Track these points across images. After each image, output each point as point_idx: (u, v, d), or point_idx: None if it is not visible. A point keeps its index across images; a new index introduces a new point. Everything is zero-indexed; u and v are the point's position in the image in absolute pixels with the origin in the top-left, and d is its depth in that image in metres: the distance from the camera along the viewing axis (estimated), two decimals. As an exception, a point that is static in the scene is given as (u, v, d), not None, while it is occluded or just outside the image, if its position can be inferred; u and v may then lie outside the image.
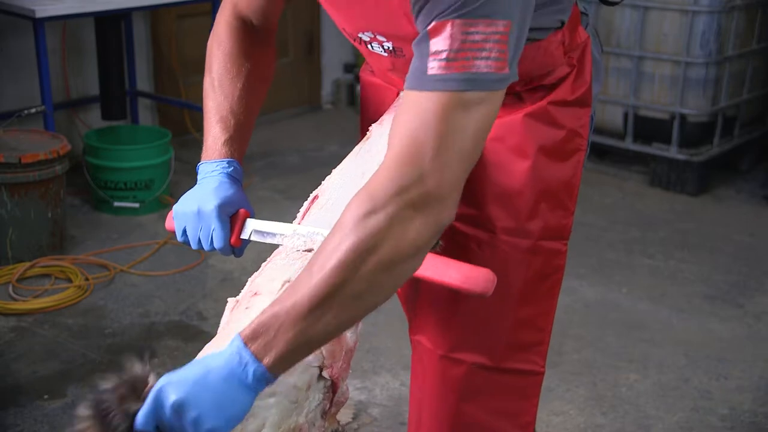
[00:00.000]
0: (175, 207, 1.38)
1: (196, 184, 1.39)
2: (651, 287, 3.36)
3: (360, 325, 1.28)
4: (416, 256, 1.11)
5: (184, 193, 1.39)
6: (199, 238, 1.34)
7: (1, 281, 3.20)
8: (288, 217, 1.43)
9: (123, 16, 4.07)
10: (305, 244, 1.29)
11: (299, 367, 1.16)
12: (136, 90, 4.40)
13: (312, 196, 1.40)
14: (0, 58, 3.97)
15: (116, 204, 3.82)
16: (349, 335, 1.23)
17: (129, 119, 4.36)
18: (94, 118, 4.33)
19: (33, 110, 3.63)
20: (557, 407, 2.60)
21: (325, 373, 1.20)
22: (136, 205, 3.82)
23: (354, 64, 5.50)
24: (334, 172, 1.43)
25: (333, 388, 1.23)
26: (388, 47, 1.33)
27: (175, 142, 4.10)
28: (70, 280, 3.21)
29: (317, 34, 5.44)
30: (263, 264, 1.33)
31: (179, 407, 1.06)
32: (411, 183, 1.08)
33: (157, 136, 4.01)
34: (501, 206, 1.44)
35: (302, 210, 1.39)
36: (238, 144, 1.41)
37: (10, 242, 3.32)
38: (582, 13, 1.48)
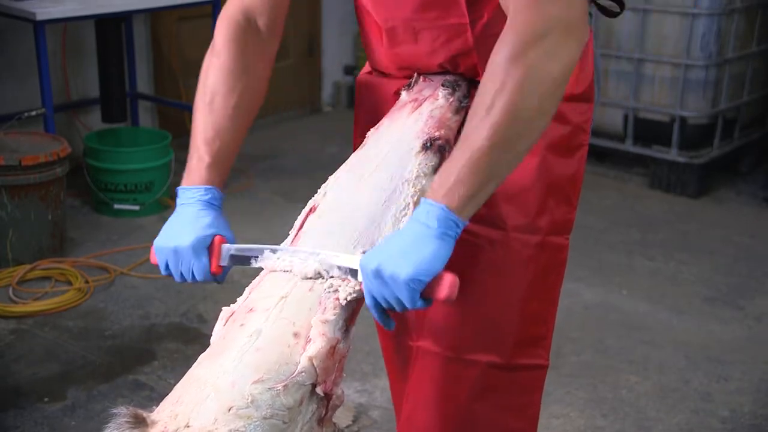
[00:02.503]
0: (155, 242, 1.41)
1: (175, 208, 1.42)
2: (651, 289, 3.36)
3: (354, 329, 1.28)
4: (568, 78, 1.22)
5: (164, 226, 1.41)
6: (181, 272, 1.38)
7: (2, 284, 3.20)
8: (289, 218, 1.44)
9: (123, 18, 4.07)
10: (282, 264, 1.31)
11: (291, 387, 1.16)
12: (137, 92, 4.41)
13: (308, 206, 1.40)
14: (0, 61, 3.97)
15: (116, 206, 3.82)
16: (341, 344, 1.23)
17: (129, 121, 4.36)
18: (94, 120, 4.33)
19: (33, 112, 3.63)
20: (557, 410, 2.59)
21: (318, 389, 1.20)
22: (137, 207, 3.82)
23: (354, 66, 5.50)
24: (330, 179, 1.43)
25: (327, 397, 1.22)
26: None
27: (176, 144, 4.10)
28: (70, 283, 3.21)
29: (318, 36, 5.44)
30: (262, 272, 1.33)
31: (377, 273, 1.19)
32: (564, 9, 1.19)
33: (157, 139, 4.02)
34: (511, 203, 1.45)
35: (299, 219, 1.39)
36: (221, 168, 1.44)
37: (11, 244, 3.32)
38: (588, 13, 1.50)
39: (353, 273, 1.25)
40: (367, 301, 1.23)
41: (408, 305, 1.19)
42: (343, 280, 1.26)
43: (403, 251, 1.18)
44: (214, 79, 1.45)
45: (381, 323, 1.26)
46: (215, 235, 1.38)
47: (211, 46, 1.50)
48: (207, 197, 1.41)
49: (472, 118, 1.20)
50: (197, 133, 1.44)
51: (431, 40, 1.44)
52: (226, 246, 1.39)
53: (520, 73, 1.17)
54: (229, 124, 1.44)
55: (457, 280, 1.21)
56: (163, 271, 1.41)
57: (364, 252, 1.26)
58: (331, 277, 1.27)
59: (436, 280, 1.19)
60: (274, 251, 1.34)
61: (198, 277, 1.38)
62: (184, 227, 1.38)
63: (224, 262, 1.39)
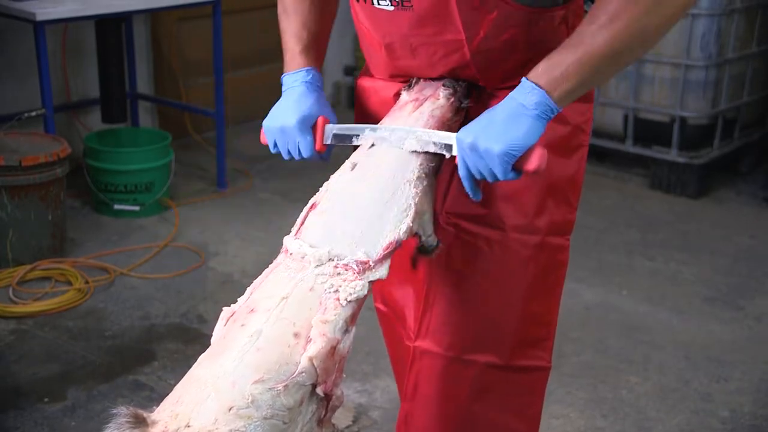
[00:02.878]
0: (264, 123, 1.51)
1: (279, 97, 1.52)
2: (651, 289, 3.36)
3: (354, 330, 1.28)
4: (692, 4, 1.28)
5: (272, 108, 1.51)
6: (289, 150, 1.49)
7: (2, 284, 3.20)
8: (289, 220, 1.44)
9: (123, 18, 4.07)
10: (382, 139, 1.41)
11: (291, 387, 1.16)
12: (137, 92, 4.41)
13: (310, 204, 1.40)
14: (0, 61, 3.97)
15: (116, 207, 3.82)
16: (341, 345, 1.23)
17: (129, 122, 4.36)
18: (94, 120, 4.33)
19: (33, 113, 3.63)
20: (557, 410, 2.59)
21: (318, 390, 1.20)
22: (137, 207, 3.82)
23: (354, 67, 5.50)
24: (332, 178, 1.43)
25: (327, 397, 1.22)
26: None
27: (176, 144, 4.10)
28: (70, 283, 3.21)
29: (317, 37, 5.43)
30: (264, 272, 1.33)
31: (473, 147, 1.28)
32: None
33: (157, 139, 4.01)
34: (510, 204, 1.46)
35: (300, 218, 1.39)
36: (315, 52, 1.54)
37: (11, 245, 3.32)
38: (585, 11, 1.50)
39: (449, 148, 1.35)
40: (461, 171, 1.32)
41: (500, 177, 1.28)
42: (344, 280, 1.26)
43: (499, 126, 1.26)
44: None
45: (470, 193, 1.34)
46: (319, 116, 1.47)
47: None
48: (308, 78, 1.50)
49: (591, 22, 1.25)
50: (285, 32, 1.54)
51: (429, 55, 1.44)
52: (329, 126, 1.48)
53: None
54: (311, 18, 1.54)
55: (546, 153, 1.28)
56: (272, 149, 1.52)
57: (365, 252, 1.28)
58: (336, 268, 1.27)
59: (527, 153, 1.26)
60: (373, 130, 1.43)
61: (304, 154, 1.48)
62: (290, 107, 1.47)
63: (328, 141, 1.48)
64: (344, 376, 1.27)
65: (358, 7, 1.45)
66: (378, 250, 1.30)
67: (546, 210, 1.48)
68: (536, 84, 1.25)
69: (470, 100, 1.49)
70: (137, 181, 3.81)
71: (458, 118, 1.48)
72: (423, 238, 1.45)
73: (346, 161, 1.46)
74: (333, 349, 1.21)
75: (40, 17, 3.39)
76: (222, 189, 4.16)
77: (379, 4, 1.40)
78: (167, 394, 1.19)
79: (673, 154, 4.28)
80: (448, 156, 1.37)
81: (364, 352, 2.78)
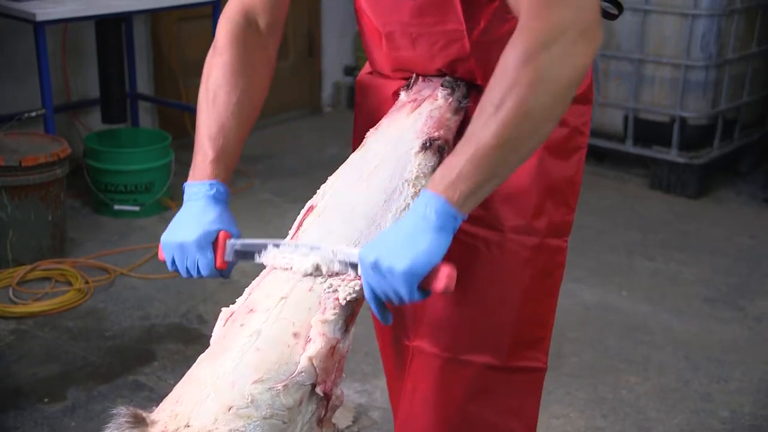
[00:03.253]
0: (162, 238, 1.43)
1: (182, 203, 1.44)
2: (651, 289, 3.36)
3: (353, 329, 1.28)
4: (580, 82, 1.22)
5: (172, 221, 1.43)
6: (187, 267, 1.40)
7: (2, 284, 3.20)
8: (288, 219, 1.44)
9: (123, 18, 4.07)
10: (282, 261, 1.31)
11: (291, 387, 1.16)
12: (137, 93, 4.41)
13: (307, 206, 1.40)
14: (0, 61, 3.97)
15: (116, 207, 3.82)
16: (341, 345, 1.23)
17: (129, 122, 4.36)
18: (94, 120, 4.33)
19: (33, 113, 3.63)
20: (557, 410, 2.59)
21: (318, 389, 1.20)
22: (137, 207, 3.82)
23: (354, 67, 5.50)
24: (330, 179, 1.43)
25: (326, 397, 1.22)
26: None
27: (176, 144, 4.10)
28: (70, 283, 3.21)
29: (317, 37, 5.44)
30: (262, 272, 1.33)
31: (375, 266, 1.19)
32: (576, 13, 1.18)
33: (157, 139, 4.02)
34: (508, 205, 1.45)
35: (298, 220, 1.39)
36: (226, 162, 1.43)
37: (11, 245, 3.32)
38: None
39: (354, 267, 1.25)
40: (366, 294, 1.23)
41: (405, 298, 1.19)
42: (343, 280, 1.26)
43: (400, 243, 1.18)
44: (217, 77, 1.46)
45: (379, 317, 1.26)
46: (220, 231, 1.39)
47: (212, 46, 1.50)
48: (212, 192, 1.41)
49: (480, 115, 1.19)
50: (201, 130, 1.44)
51: (429, 45, 1.44)
52: (231, 241, 1.40)
53: (531, 74, 1.16)
54: (232, 121, 1.44)
55: (455, 271, 1.20)
56: (170, 267, 1.43)
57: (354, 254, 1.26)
58: (331, 275, 1.27)
59: (433, 272, 1.19)
60: (277, 246, 1.34)
61: (203, 273, 1.39)
62: (190, 223, 1.39)
63: (229, 258, 1.40)
64: (344, 375, 1.26)
65: None
66: None
67: (544, 211, 1.48)
68: (434, 192, 1.18)
69: (469, 99, 1.49)
70: (137, 182, 3.81)
71: (457, 117, 1.48)
72: (422, 239, 1.45)
73: (344, 163, 1.46)
74: (332, 349, 1.21)
75: (40, 17, 3.40)
76: (222, 189, 4.16)
77: None
78: (167, 395, 1.19)
79: (673, 155, 4.28)
80: (352, 276, 1.26)
81: (363, 352, 2.78)
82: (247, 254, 1.39)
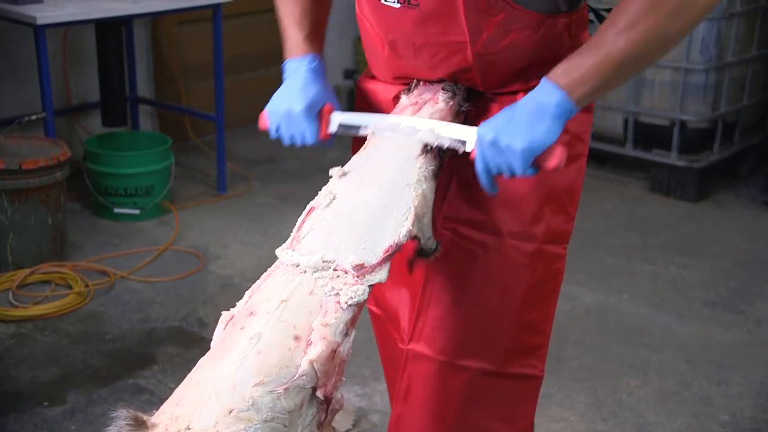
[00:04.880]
0: (267, 107, 1.50)
1: (282, 83, 1.51)
2: (651, 293, 3.36)
3: (353, 332, 1.28)
4: (713, 6, 1.26)
5: (276, 93, 1.50)
6: (292, 135, 1.48)
7: (2, 288, 3.20)
8: (288, 223, 1.44)
9: (124, 22, 4.07)
10: (390, 128, 1.41)
11: (292, 390, 1.16)
12: (137, 96, 4.41)
13: (308, 208, 1.40)
14: (1, 64, 3.97)
15: (116, 210, 3.82)
16: (342, 348, 1.23)
17: (129, 125, 4.37)
18: (94, 124, 4.33)
19: (34, 116, 3.63)
20: (557, 413, 2.59)
21: (318, 393, 1.20)
22: (137, 211, 3.82)
23: (354, 70, 5.51)
24: (330, 181, 1.43)
25: (327, 400, 1.22)
26: None
27: (176, 148, 4.10)
28: (70, 287, 3.21)
29: (317, 41, 5.43)
30: (263, 276, 1.33)
31: (494, 143, 1.29)
32: None
33: (157, 142, 4.02)
34: (507, 210, 1.45)
35: (298, 222, 1.39)
36: (317, 39, 1.53)
37: (11, 248, 3.32)
38: (589, 20, 1.51)
39: (462, 143, 1.36)
40: (478, 166, 1.32)
41: (519, 172, 1.30)
42: (345, 283, 1.26)
43: (520, 124, 1.28)
44: None
45: (486, 188, 1.34)
46: (326, 103, 1.47)
47: None
48: (313, 65, 1.50)
49: (612, 25, 1.25)
50: (286, 18, 1.53)
51: (431, 55, 1.44)
52: (336, 114, 1.47)
53: (673, 2, 1.22)
54: (312, 7, 1.53)
55: (566, 151, 1.30)
56: (272, 134, 1.50)
57: (362, 256, 1.28)
58: (335, 271, 1.27)
59: (547, 150, 1.29)
60: (382, 120, 1.43)
61: (308, 141, 1.46)
62: (296, 93, 1.46)
63: (333, 129, 1.47)
64: (344, 379, 1.26)
65: (364, 1, 1.45)
66: (378, 253, 1.30)
67: (543, 218, 1.47)
68: (557, 85, 1.27)
69: (469, 103, 1.49)
70: (137, 185, 3.81)
71: (458, 121, 1.48)
72: (422, 241, 1.45)
73: (345, 165, 1.46)
74: (333, 353, 1.21)
75: (40, 21, 3.40)
76: (222, 192, 4.17)
77: (386, 0, 1.40)
78: (167, 398, 1.19)
79: (673, 158, 4.28)
80: (461, 151, 1.37)
81: (364, 355, 2.78)
82: (351, 127, 1.47)
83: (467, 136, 1.36)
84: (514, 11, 1.35)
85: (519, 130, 1.27)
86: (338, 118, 1.47)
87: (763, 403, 2.69)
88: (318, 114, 1.46)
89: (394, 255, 1.32)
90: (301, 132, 1.46)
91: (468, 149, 1.35)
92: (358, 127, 1.46)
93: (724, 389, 2.75)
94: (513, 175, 1.31)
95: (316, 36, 1.53)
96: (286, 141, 1.49)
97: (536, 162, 1.30)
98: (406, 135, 1.40)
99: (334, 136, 1.49)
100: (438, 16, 1.37)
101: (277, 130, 1.49)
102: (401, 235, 1.33)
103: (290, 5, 1.53)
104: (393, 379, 1.77)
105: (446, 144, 1.38)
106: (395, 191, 1.37)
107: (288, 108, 1.45)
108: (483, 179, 1.34)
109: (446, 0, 1.35)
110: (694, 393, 2.72)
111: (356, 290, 1.25)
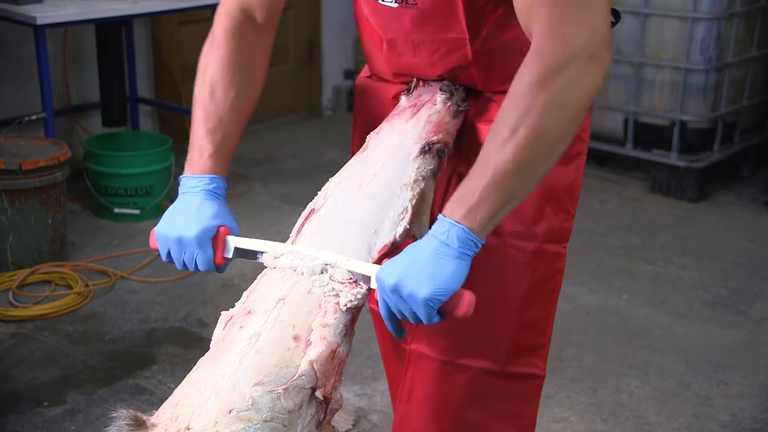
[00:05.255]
0: (156, 230, 1.41)
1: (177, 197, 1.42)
2: (651, 293, 3.36)
3: (353, 333, 1.28)
4: (590, 103, 1.25)
5: (167, 213, 1.42)
6: (184, 261, 1.39)
7: (2, 288, 3.20)
8: (288, 222, 1.44)
9: (124, 22, 4.07)
10: (287, 261, 1.30)
11: (292, 390, 1.16)
12: (137, 96, 4.41)
13: (308, 209, 1.40)
14: (1, 65, 3.97)
15: (116, 210, 3.82)
16: (341, 348, 1.23)
17: (129, 125, 4.36)
18: (94, 124, 4.33)
19: (34, 116, 3.63)
20: (558, 414, 2.59)
21: (318, 393, 1.20)
22: (137, 211, 3.82)
23: (354, 71, 5.51)
24: (330, 182, 1.43)
25: (326, 400, 1.22)
26: None
27: (176, 148, 4.10)
28: (70, 287, 3.21)
29: (318, 41, 5.44)
30: (259, 276, 1.33)
31: (395, 290, 1.21)
32: (589, 36, 1.19)
33: (157, 143, 4.02)
34: None
35: (298, 223, 1.39)
36: (223, 158, 1.43)
37: (11, 248, 3.32)
38: None
39: (365, 279, 1.27)
40: (382, 311, 1.25)
41: (424, 321, 1.21)
42: (345, 285, 1.26)
43: (422, 269, 1.19)
44: (214, 71, 1.45)
45: (394, 334, 1.28)
46: (220, 226, 1.39)
47: (209, 39, 1.50)
48: (211, 186, 1.41)
49: (494, 139, 1.20)
50: (198, 123, 1.44)
51: (430, 53, 1.44)
52: (231, 238, 1.39)
53: (545, 98, 1.18)
54: (230, 115, 1.44)
55: (474, 297, 1.22)
56: (164, 258, 1.41)
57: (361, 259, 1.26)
58: (333, 280, 1.27)
59: (454, 297, 1.20)
60: (278, 249, 1.34)
61: (201, 268, 1.38)
62: (189, 217, 1.38)
63: (228, 254, 1.39)
64: (343, 379, 1.26)
65: (363, 1, 1.45)
66: (373, 254, 1.31)
67: (543, 217, 1.47)
68: (453, 220, 1.19)
69: (468, 103, 1.49)
70: (137, 185, 3.81)
71: (457, 121, 1.48)
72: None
73: (344, 166, 1.46)
74: (333, 353, 1.21)
75: (40, 21, 3.40)
76: (222, 193, 4.16)
77: (383, 0, 1.40)
78: (167, 398, 1.19)
79: (673, 158, 4.28)
80: (365, 288, 1.27)
81: (364, 355, 2.78)
82: (247, 252, 1.39)
83: (370, 273, 1.26)
84: (512, 7, 1.35)
85: (421, 276, 1.18)
86: (234, 242, 1.38)
87: (763, 403, 2.69)
88: (213, 238, 1.37)
89: (390, 253, 1.32)
90: (193, 258, 1.37)
91: (373, 286, 1.26)
92: (255, 253, 1.37)
93: (724, 389, 2.75)
94: (419, 322, 1.22)
95: (223, 153, 1.42)
96: (179, 266, 1.40)
97: (442, 309, 1.20)
98: (304, 265, 1.29)
99: (230, 260, 1.40)
100: (436, 14, 1.37)
101: (168, 254, 1.40)
102: (397, 235, 1.33)
103: (206, 112, 1.43)
104: (394, 379, 1.77)
105: (345, 278, 1.27)
106: (393, 192, 1.37)
107: (179, 234, 1.37)
108: (388, 325, 1.27)
109: None
110: (694, 393, 2.72)
111: (356, 293, 1.25)
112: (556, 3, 1.20)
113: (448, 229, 1.19)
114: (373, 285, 1.26)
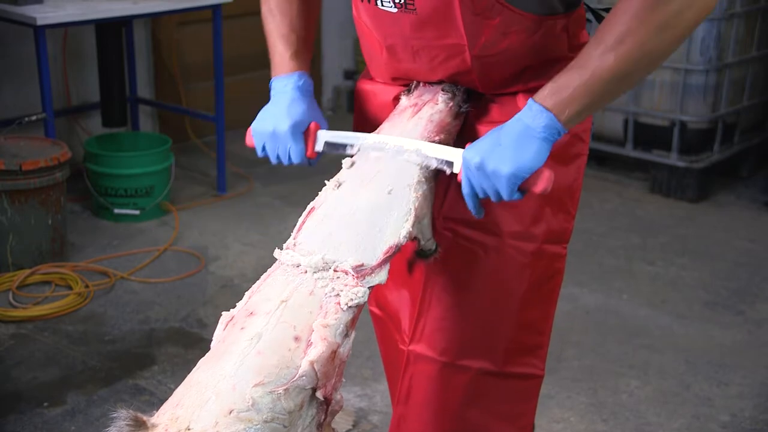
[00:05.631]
0: (253, 126, 1.50)
1: (269, 100, 1.51)
2: (651, 293, 3.36)
3: (353, 333, 1.28)
4: (700, 24, 1.25)
5: (261, 111, 1.50)
6: (278, 155, 1.48)
7: (2, 288, 3.20)
8: (289, 224, 1.44)
9: (124, 23, 4.07)
10: (376, 147, 1.40)
11: (292, 391, 1.16)
12: (137, 97, 4.41)
13: (309, 208, 1.40)
14: (1, 65, 3.97)
15: (116, 211, 3.82)
16: (342, 349, 1.23)
17: (129, 126, 4.36)
18: (94, 124, 4.33)
19: (34, 117, 3.63)
20: (558, 414, 2.59)
21: (318, 394, 1.20)
22: (137, 211, 3.82)
23: (354, 71, 5.51)
24: (332, 181, 1.43)
25: (326, 401, 1.22)
26: (399, 0, 1.37)
27: (176, 148, 4.10)
28: (70, 287, 3.21)
29: (318, 41, 5.44)
30: (262, 276, 1.33)
31: (480, 167, 1.28)
32: None
33: (157, 143, 4.02)
34: (507, 210, 1.45)
35: (299, 222, 1.39)
36: (304, 56, 1.52)
37: (11, 249, 3.32)
38: (587, 19, 1.51)
39: (449, 164, 1.35)
40: (464, 189, 1.32)
41: (505, 197, 1.28)
42: (345, 285, 1.26)
43: (506, 149, 1.26)
44: None
45: (473, 212, 1.34)
46: (311, 121, 1.46)
47: None
48: (300, 83, 1.49)
49: (598, 43, 1.24)
50: (272, 34, 1.52)
51: (429, 59, 1.44)
52: (322, 132, 1.47)
53: (658, 18, 1.20)
54: (299, 21, 1.52)
55: (553, 175, 1.28)
56: (259, 153, 1.51)
57: (361, 258, 1.27)
58: (335, 276, 1.27)
59: (534, 174, 1.27)
60: (367, 139, 1.42)
61: (294, 160, 1.47)
62: (282, 112, 1.46)
63: (319, 148, 1.47)
64: (343, 380, 1.26)
65: (362, 6, 1.45)
66: (378, 254, 1.31)
67: (543, 218, 1.47)
68: (544, 106, 1.25)
69: (469, 104, 1.49)
70: (137, 185, 3.81)
71: (457, 122, 1.48)
72: (422, 242, 1.45)
73: (345, 166, 1.46)
74: (334, 354, 1.21)
75: (40, 21, 3.40)
76: (222, 193, 4.16)
77: (382, 5, 1.40)
78: (167, 399, 1.19)
79: (673, 158, 4.28)
80: (448, 172, 1.36)
81: (364, 356, 2.78)
82: (337, 146, 1.46)
83: (454, 158, 1.35)
84: (512, 14, 1.35)
85: (505, 154, 1.26)
86: (324, 137, 1.47)
87: (764, 403, 2.69)
88: (304, 132, 1.47)
89: (393, 256, 1.32)
90: (287, 151, 1.47)
91: (455, 170, 1.35)
92: (344, 146, 1.46)
93: (724, 390, 2.75)
94: (500, 199, 1.30)
95: (303, 52, 1.52)
96: (273, 160, 1.50)
97: (523, 186, 1.28)
98: (392, 155, 1.40)
99: (321, 154, 1.49)
100: (435, 20, 1.37)
101: (263, 149, 1.50)
102: (401, 236, 1.33)
103: (277, 20, 1.52)
104: (394, 379, 1.77)
105: (433, 165, 1.37)
106: (396, 192, 1.37)
107: (274, 127, 1.46)
108: (469, 203, 1.34)
109: (443, 4, 1.34)
110: (694, 393, 2.72)
111: (357, 292, 1.25)
112: None
113: (536, 113, 1.25)
114: (456, 169, 1.34)
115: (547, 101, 1.25)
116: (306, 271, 1.28)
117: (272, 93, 1.50)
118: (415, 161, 1.38)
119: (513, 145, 1.26)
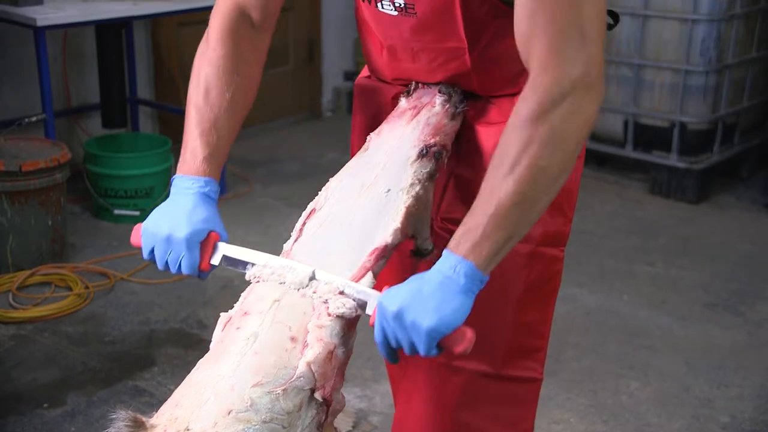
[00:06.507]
0: (144, 225, 1.38)
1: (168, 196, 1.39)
2: (651, 294, 3.36)
3: (354, 334, 1.27)
4: (588, 135, 1.25)
5: (156, 211, 1.39)
6: (167, 261, 1.36)
7: (1, 289, 3.20)
8: (289, 223, 1.44)
9: (124, 24, 4.07)
10: (274, 276, 1.28)
11: (290, 391, 1.16)
12: (137, 98, 4.41)
13: (309, 209, 1.39)
14: (1, 66, 3.97)
15: (116, 212, 3.82)
16: (339, 350, 1.23)
17: (129, 127, 4.36)
18: (94, 125, 4.33)
19: (34, 118, 3.63)
20: (558, 415, 2.59)
21: (317, 395, 1.19)
22: (137, 212, 3.82)
23: (354, 72, 5.51)
24: (331, 182, 1.43)
25: (327, 402, 1.22)
26: (400, 4, 1.35)
27: (176, 149, 4.07)
28: (70, 288, 3.21)
29: (318, 42, 5.44)
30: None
31: (397, 317, 1.19)
32: (585, 68, 1.19)
33: (157, 144, 4.02)
34: None
35: (299, 223, 1.39)
36: (217, 161, 1.40)
37: (11, 250, 3.32)
38: None
39: (361, 305, 1.24)
40: (377, 337, 1.22)
41: (422, 352, 1.19)
42: (335, 294, 1.26)
43: (427, 300, 1.18)
44: (209, 72, 1.43)
45: (388, 359, 1.25)
46: (210, 231, 1.36)
47: (204, 38, 1.47)
48: (206, 189, 1.38)
49: (495, 174, 1.20)
50: (192, 124, 1.41)
51: (429, 60, 1.44)
52: (222, 245, 1.36)
53: (545, 131, 1.18)
54: (224, 118, 1.41)
55: (474, 335, 1.20)
56: (145, 256, 1.39)
57: (348, 270, 1.25)
58: (318, 292, 1.26)
59: (455, 332, 1.19)
60: (266, 263, 1.30)
61: (185, 271, 1.35)
62: (180, 217, 1.35)
63: (216, 261, 1.36)
64: (344, 380, 1.26)
65: (364, 6, 1.45)
66: (363, 257, 1.30)
67: (540, 220, 1.47)
68: (462, 256, 1.18)
69: (466, 105, 1.49)
70: (137, 186, 3.81)
71: (455, 123, 1.48)
72: (419, 241, 1.45)
73: (345, 166, 1.46)
74: (330, 354, 1.21)
75: (40, 23, 3.40)
76: (222, 194, 4.15)
77: (383, 7, 1.40)
78: (167, 400, 1.19)
79: (673, 159, 4.28)
80: (359, 314, 1.25)
81: (364, 357, 2.78)
82: (235, 262, 1.35)
83: (369, 299, 1.24)
84: (512, 17, 1.35)
85: (426, 306, 1.17)
86: (224, 250, 1.34)
87: (764, 404, 2.69)
88: (202, 242, 1.35)
89: (382, 257, 1.31)
90: (178, 259, 1.34)
91: (368, 312, 1.23)
92: (243, 263, 1.33)
93: (724, 391, 2.74)
94: (415, 353, 1.20)
95: (218, 156, 1.40)
96: (160, 266, 1.37)
97: (443, 343, 1.18)
98: (294, 285, 1.27)
99: (213, 268, 1.36)
100: (435, 23, 1.37)
101: (151, 252, 1.38)
102: (388, 236, 1.32)
103: (200, 113, 1.40)
104: (396, 381, 1.77)
105: (341, 309, 1.24)
106: (391, 196, 1.37)
107: (169, 232, 1.34)
108: (382, 350, 1.24)
109: (444, 8, 1.34)
110: (694, 395, 2.72)
111: (344, 302, 1.25)
112: (553, 36, 1.19)
113: (455, 264, 1.18)
114: (369, 311, 1.23)
115: (461, 248, 1.19)
116: (290, 287, 1.27)
117: (172, 190, 1.39)
118: (319, 297, 1.26)
119: (434, 297, 1.17)
